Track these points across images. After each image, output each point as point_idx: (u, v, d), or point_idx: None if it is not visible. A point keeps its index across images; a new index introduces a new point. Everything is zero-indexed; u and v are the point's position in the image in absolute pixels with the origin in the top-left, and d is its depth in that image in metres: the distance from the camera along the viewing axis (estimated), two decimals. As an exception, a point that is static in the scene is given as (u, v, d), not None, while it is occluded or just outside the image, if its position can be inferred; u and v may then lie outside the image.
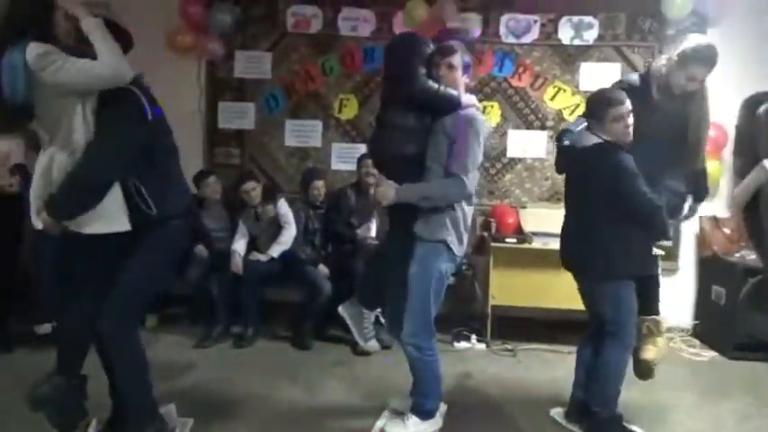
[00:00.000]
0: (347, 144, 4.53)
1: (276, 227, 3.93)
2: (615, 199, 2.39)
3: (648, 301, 2.69)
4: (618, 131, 2.42)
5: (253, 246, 3.96)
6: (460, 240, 2.48)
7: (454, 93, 2.40)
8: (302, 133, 4.55)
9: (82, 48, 1.98)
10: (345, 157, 4.49)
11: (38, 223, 2.09)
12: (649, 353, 2.71)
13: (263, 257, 3.84)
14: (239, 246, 3.90)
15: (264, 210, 3.93)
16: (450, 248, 2.43)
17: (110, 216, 2.04)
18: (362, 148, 4.37)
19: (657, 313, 2.74)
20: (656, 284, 2.74)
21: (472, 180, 2.39)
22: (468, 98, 2.45)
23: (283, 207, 3.94)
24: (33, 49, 1.89)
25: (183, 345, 3.64)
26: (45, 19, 1.97)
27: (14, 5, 1.99)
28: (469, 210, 2.52)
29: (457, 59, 2.41)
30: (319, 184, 4.07)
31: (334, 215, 4.06)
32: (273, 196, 3.99)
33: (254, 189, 3.90)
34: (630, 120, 2.42)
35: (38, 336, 3.53)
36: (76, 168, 2.01)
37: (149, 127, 2.10)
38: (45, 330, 3.55)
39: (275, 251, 3.85)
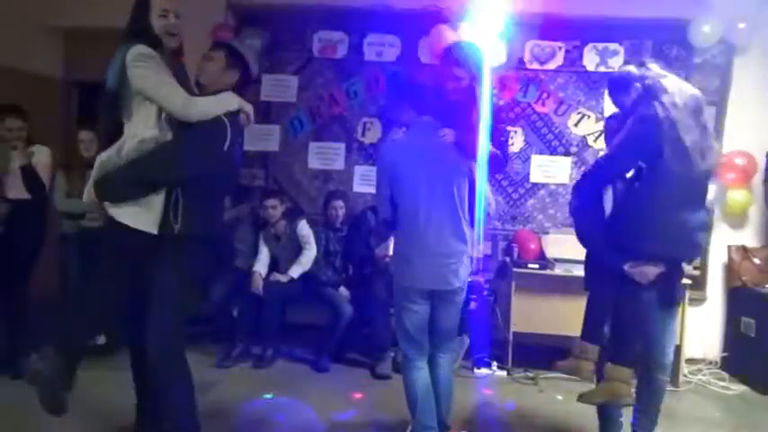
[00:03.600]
0: (370, 167, 4.54)
1: (297, 248, 3.95)
2: None
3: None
4: None
5: (274, 267, 3.99)
6: (406, 267, 2.40)
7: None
8: (326, 156, 4.60)
9: (180, 60, 2.26)
10: (368, 180, 4.50)
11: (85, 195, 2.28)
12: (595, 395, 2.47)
13: (282, 277, 3.86)
14: (260, 266, 3.93)
15: (279, 226, 3.96)
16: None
17: (144, 214, 2.10)
18: (385, 171, 4.40)
19: (588, 339, 2.51)
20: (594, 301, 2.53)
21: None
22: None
23: (304, 228, 3.96)
24: (136, 49, 2.08)
25: (204, 364, 3.64)
26: (143, 21, 2.16)
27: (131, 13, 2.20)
28: (417, 233, 2.37)
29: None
30: (338, 204, 4.08)
31: (353, 236, 4.07)
32: (292, 216, 4.03)
33: (274, 207, 3.92)
34: None
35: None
36: (143, 158, 2.10)
37: (223, 154, 2.18)
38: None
39: (295, 271, 3.87)
